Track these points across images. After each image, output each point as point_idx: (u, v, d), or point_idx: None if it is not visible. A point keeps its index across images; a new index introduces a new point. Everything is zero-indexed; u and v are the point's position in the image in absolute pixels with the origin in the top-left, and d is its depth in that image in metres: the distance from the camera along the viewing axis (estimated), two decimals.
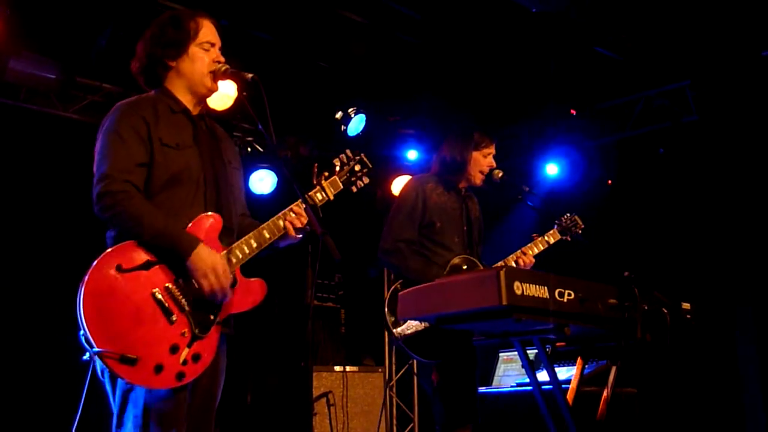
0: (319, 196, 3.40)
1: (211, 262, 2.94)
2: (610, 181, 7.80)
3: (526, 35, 6.61)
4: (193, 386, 2.98)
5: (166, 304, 2.87)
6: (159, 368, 2.79)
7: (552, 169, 8.15)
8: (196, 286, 2.93)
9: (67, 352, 2.78)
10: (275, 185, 7.59)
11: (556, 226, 4.95)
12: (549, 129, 8.13)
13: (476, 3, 6.18)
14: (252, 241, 3.16)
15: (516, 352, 4.09)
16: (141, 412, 2.83)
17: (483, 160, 4.71)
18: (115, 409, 2.90)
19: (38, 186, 6.44)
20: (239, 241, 3.14)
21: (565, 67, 7.09)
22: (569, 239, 4.97)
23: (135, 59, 3.26)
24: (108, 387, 2.93)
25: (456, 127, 4.93)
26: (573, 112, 7.82)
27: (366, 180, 3.63)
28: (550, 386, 3.42)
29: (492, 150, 4.75)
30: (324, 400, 6.81)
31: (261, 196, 7.45)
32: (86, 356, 2.74)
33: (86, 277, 2.76)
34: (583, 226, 5.00)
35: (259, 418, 7.15)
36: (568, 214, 5.02)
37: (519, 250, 4.76)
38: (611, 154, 7.93)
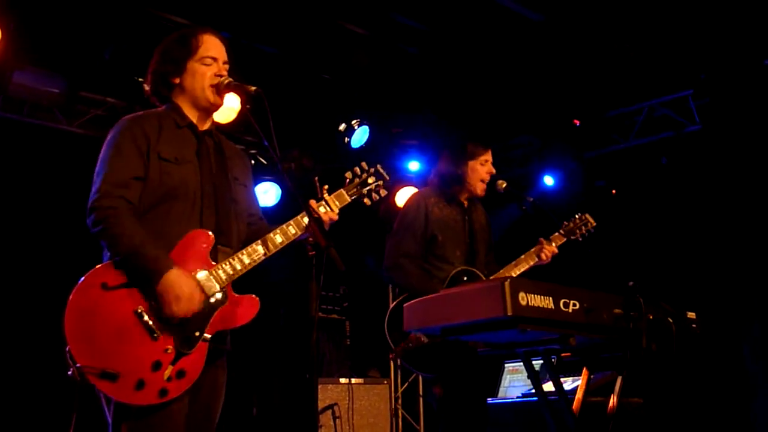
0: (322, 209, 3.32)
1: (179, 288, 2.87)
2: (614, 191, 7.79)
3: (527, 45, 6.61)
4: (192, 401, 2.97)
5: (149, 322, 2.86)
6: (140, 384, 2.79)
7: (553, 180, 8.14)
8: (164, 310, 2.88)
9: (63, 367, 2.79)
10: (279, 198, 7.60)
11: (561, 229, 4.87)
12: (551, 139, 8.12)
13: (477, 13, 6.19)
14: (244, 257, 3.11)
15: (522, 363, 4.07)
16: (135, 427, 2.83)
17: (481, 168, 4.70)
18: (109, 423, 2.91)
19: (43, 201, 6.44)
20: (231, 257, 3.09)
21: (568, 76, 7.09)
22: (580, 239, 4.89)
23: (146, 80, 3.31)
24: (103, 401, 2.93)
25: (449, 141, 4.92)
26: (576, 122, 7.83)
27: (383, 192, 3.57)
28: (556, 397, 3.41)
29: (488, 157, 4.73)
30: (329, 412, 6.79)
31: (265, 208, 7.43)
32: (70, 371, 2.75)
33: (71, 295, 2.80)
34: (594, 224, 4.92)
35: (265, 431, 7.13)
36: (578, 214, 4.94)
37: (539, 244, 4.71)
38: (614, 164, 7.92)
